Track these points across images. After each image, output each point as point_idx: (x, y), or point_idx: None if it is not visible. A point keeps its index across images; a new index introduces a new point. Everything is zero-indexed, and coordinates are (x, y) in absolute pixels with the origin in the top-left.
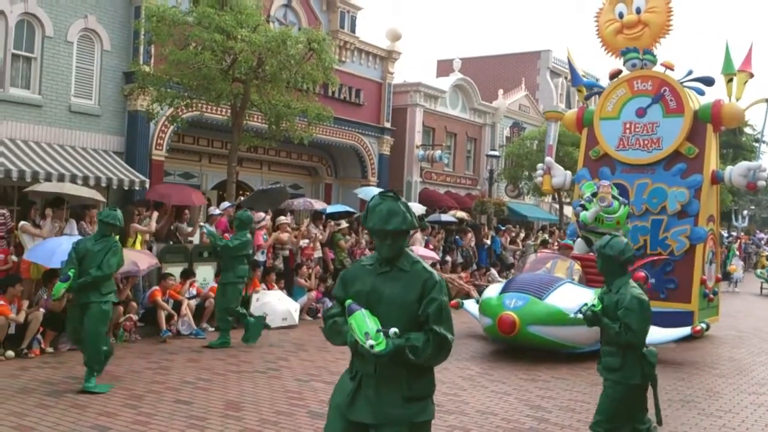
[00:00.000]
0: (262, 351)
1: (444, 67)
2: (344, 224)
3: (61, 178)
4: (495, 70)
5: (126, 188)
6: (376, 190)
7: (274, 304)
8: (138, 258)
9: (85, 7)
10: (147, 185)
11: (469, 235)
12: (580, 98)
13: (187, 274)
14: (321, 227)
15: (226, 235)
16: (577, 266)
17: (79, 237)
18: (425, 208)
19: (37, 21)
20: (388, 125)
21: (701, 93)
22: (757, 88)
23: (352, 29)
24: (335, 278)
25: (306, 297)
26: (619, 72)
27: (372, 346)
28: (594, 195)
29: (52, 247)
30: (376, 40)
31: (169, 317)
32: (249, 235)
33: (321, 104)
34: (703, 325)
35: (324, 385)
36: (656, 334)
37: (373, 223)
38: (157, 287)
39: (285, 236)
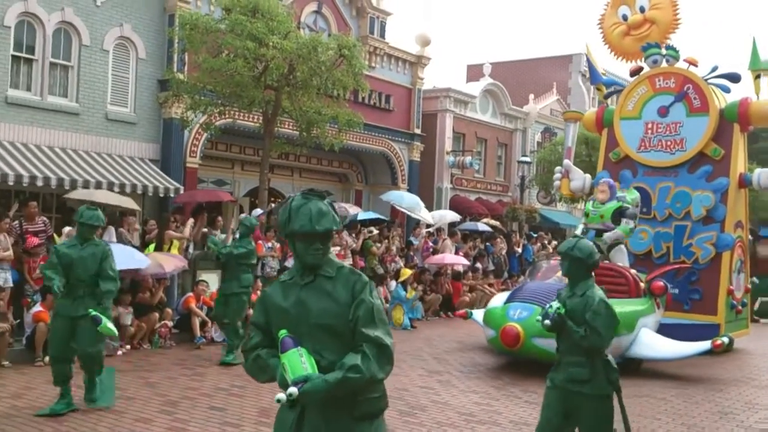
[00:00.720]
0: None
1: (474, 72)
2: (375, 231)
3: (98, 186)
4: (526, 74)
5: (161, 195)
6: (404, 194)
7: None
8: (164, 260)
9: (120, 15)
10: (181, 192)
11: (500, 242)
12: (599, 97)
13: None
14: (354, 235)
15: (259, 243)
16: None
17: (118, 244)
18: (459, 216)
19: (74, 30)
20: (418, 131)
21: (727, 90)
22: None
23: (382, 35)
24: None
25: None
26: (641, 69)
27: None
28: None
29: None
30: (406, 46)
31: (203, 324)
32: (253, 243)
33: (351, 110)
34: (725, 339)
35: None
36: (673, 348)
37: (300, 225)
38: (191, 294)
39: None
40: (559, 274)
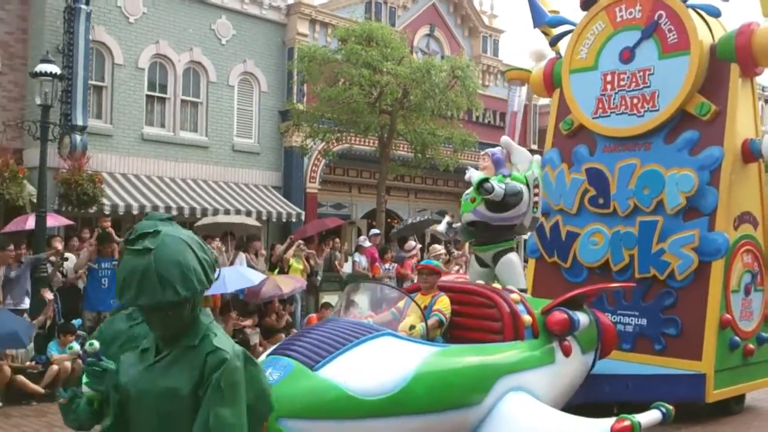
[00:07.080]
0: None
1: None
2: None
3: (226, 213)
4: None
5: (284, 221)
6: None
7: None
8: (282, 282)
9: (243, 52)
10: (303, 217)
11: None
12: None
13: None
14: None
15: (376, 265)
16: (441, 304)
17: (248, 268)
18: None
19: (201, 68)
20: (534, 147)
21: (716, 14)
22: None
23: (495, 53)
24: None
25: None
26: None
27: None
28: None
29: (222, 276)
30: (520, 62)
31: None
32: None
33: (466, 130)
34: (636, 420)
35: None
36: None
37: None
38: (313, 315)
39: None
40: (401, 304)
